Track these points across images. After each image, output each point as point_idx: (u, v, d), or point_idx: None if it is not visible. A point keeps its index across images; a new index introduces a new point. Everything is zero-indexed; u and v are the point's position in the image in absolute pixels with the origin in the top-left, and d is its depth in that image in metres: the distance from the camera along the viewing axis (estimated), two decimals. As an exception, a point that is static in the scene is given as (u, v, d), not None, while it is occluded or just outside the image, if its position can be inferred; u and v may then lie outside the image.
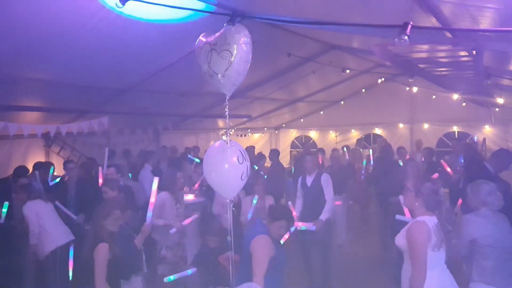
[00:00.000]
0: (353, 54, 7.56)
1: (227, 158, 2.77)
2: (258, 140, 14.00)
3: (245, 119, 11.40)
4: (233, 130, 12.34)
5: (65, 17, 3.74)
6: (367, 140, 12.42)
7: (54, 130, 6.86)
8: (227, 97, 2.91)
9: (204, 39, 2.79)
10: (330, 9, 4.25)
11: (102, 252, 3.30)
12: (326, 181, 5.39)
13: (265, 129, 13.70)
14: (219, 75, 2.70)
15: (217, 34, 2.72)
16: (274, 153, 8.48)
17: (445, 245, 2.86)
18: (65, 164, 6.30)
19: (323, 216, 5.09)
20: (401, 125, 12.03)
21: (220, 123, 11.88)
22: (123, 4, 2.38)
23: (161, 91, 7.06)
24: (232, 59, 2.64)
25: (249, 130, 13.02)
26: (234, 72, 2.69)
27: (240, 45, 2.67)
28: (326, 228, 5.18)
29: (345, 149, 9.35)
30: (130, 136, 8.63)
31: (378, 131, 12.44)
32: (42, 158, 7.47)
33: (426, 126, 11.56)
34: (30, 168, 6.30)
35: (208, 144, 11.08)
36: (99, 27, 4.09)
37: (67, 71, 5.29)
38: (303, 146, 11.11)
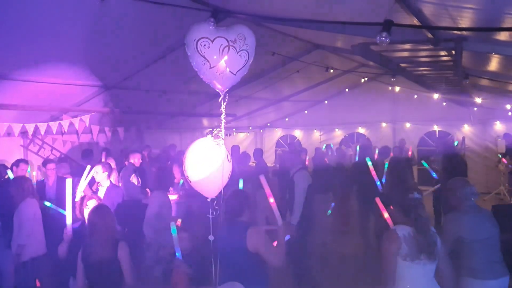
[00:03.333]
0: (337, 54, 7.62)
1: (214, 158, 2.74)
2: (243, 139, 13.98)
3: (230, 118, 11.35)
4: (218, 129, 12.25)
5: (45, 12, 3.65)
6: (351, 139, 12.56)
7: (32, 129, 6.72)
8: (223, 95, 2.90)
9: (209, 30, 2.71)
10: (314, 9, 4.27)
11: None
12: (297, 179, 5.04)
13: (250, 128, 13.69)
14: (232, 72, 2.69)
15: (233, 31, 2.68)
16: (258, 152, 8.47)
17: (428, 257, 2.63)
18: (44, 164, 6.13)
19: (293, 220, 4.81)
20: (384, 124, 12.20)
21: (205, 121, 11.81)
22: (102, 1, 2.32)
23: (144, 89, 6.97)
24: (247, 60, 2.67)
25: (234, 129, 12.98)
26: (242, 73, 2.72)
27: (253, 49, 2.70)
28: (303, 228, 4.96)
29: (328, 145, 9.44)
30: (112, 135, 8.49)
31: (361, 130, 12.58)
32: (20, 157, 7.26)
33: (408, 125, 11.75)
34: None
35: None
36: (80, 22, 4.01)
37: (47, 67, 5.18)
38: (289, 145, 11.16)
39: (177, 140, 10.92)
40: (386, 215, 3.06)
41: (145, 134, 10.02)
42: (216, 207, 3.30)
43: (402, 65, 5.52)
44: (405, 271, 2.65)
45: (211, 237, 2.90)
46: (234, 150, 8.29)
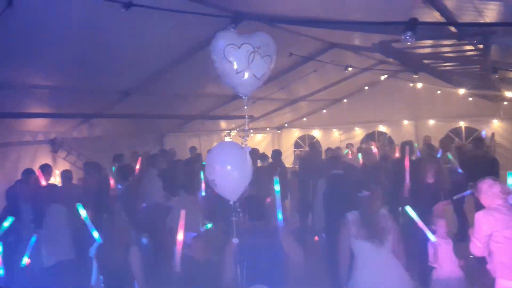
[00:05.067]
0: (354, 52, 7.52)
1: (238, 160, 2.78)
2: (261, 140, 13.98)
3: (247, 119, 11.36)
4: (235, 131, 12.33)
5: (68, 23, 3.75)
6: (372, 138, 12.37)
7: (59, 135, 6.93)
8: (246, 98, 3.00)
9: (235, 36, 2.83)
10: (329, 6, 4.22)
11: None
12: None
13: (268, 129, 13.68)
14: (256, 77, 2.80)
15: (256, 37, 2.79)
16: (276, 154, 8.42)
17: (380, 239, 3.23)
18: (62, 174, 6.26)
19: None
20: (405, 122, 11.96)
21: (223, 124, 11.87)
22: (128, 9, 2.37)
23: (163, 94, 7.06)
24: (270, 65, 2.80)
25: (251, 131, 13.00)
26: (265, 77, 2.84)
27: (275, 53, 2.82)
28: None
29: (350, 144, 9.30)
30: (134, 139, 8.64)
31: (382, 128, 12.38)
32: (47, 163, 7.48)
33: (431, 122, 11.48)
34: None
35: (211, 145, 11.07)
36: (101, 31, 4.09)
37: (71, 76, 5.31)
38: (310, 146, 11.02)
39: (196, 142, 11.02)
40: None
41: (164, 138, 10.16)
42: (239, 209, 3.33)
43: (426, 61, 5.39)
44: (359, 249, 3.29)
45: (235, 240, 2.92)
46: (254, 153, 8.30)
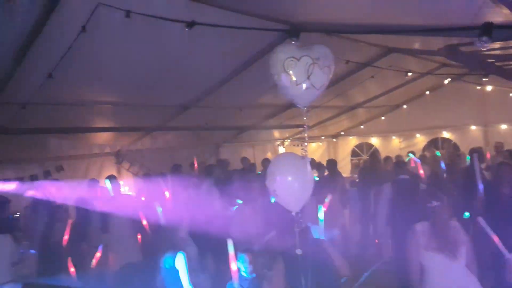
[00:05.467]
0: (414, 56, 7.16)
1: (301, 170, 2.78)
2: (315, 149, 13.74)
3: (300, 128, 11.30)
4: (288, 140, 12.28)
5: (133, 44, 4.00)
6: (435, 145, 11.65)
7: (124, 148, 7.38)
8: (304, 109, 3.02)
9: (294, 49, 2.90)
10: (388, 12, 4.06)
11: None
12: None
13: (323, 137, 13.43)
14: (315, 88, 2.84)
15: (315, 49, 2.84)
16: (331, 163, 8.21)
17: (452, 251, 3.08)
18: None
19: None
20: (473, 127, 11.10)
21: (276, 133, 11.88)
22: (191, 28, 2.47)
23: (219, 106, 7.23)
24: (329, 75, 2.83)
25: (306, 139, 12.83)
26: (323, 87, 2.86)
27: (333, 63, 2.85)
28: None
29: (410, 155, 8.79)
30: (192, 150, 8.93)
31: (446, 134, 11.60)
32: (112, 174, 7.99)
33: (503, 127, 10.54)
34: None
35: (265, 155, 11.12)
36: (162, 49, 4.31)
37: (133, 93, 5.64)
38: (370, 154, 10.60)
39: (250, 152, 11.12)
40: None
41: (220, 148, 10.39)
42: (301, 220, 3.32)
43: (498, 63, 4.97)
44: (430, 261, 3.14)
45: (298, 251, 2.91)
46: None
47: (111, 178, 6.41)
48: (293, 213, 2.95)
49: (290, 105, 8.40)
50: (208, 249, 4.71)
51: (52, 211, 5.30)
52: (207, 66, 5.21)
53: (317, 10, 4.31)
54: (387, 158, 8.40)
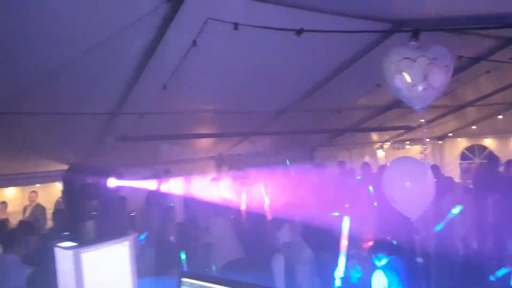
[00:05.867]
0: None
1: (421, 175, 2.62)
2: (418, 152, 12.74)
3: (401, 130, 10.59)
4: (388, 143, 11.62)
5: (237, 54, 4.19)
6: None
7: (223, 153, 7.79)
8: (422, 111, 2.86)
9: (409, 50, 2.80)
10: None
11: None
12: None
13: (428, 140, 12.37)
14: (433, 88, 2.71)
15: (431, 49, 2.72)
16: (436, 169, 7.49)
17: None
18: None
19: None
20: None
21: (374, 136, 11.32)
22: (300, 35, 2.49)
23: (316, 109, 7.16)
24: (448, 75, 2.68)
25: (407, 142, 12.00)
26: (442, 88, 2.71)
27: (452, 62, 2.69)
28: None
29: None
30: (288, 153, 9.00)
31: None
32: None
33: None
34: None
35: (362, 159, 10.67)
36: (260, 56, 4.43)
37: (232, 100, 5.91)
38: (488, 157, 9.37)
39: (347, 156, 10.78)
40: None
41: (315, 152, 10.28)
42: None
43: None
44: None
45: (419, 259, 2.73)
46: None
47: (214, 180, 6.93)
48: (412, 220, 2.76)
49: (391, 107, 7.97)
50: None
51: (164, 211, 5.83)
52: (304, 70, 5.21)
53: (421, 5, 4.01)
54: (510, 162, 7.39)
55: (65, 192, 2.16)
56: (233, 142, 8.36)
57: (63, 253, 1.95)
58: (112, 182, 2.16)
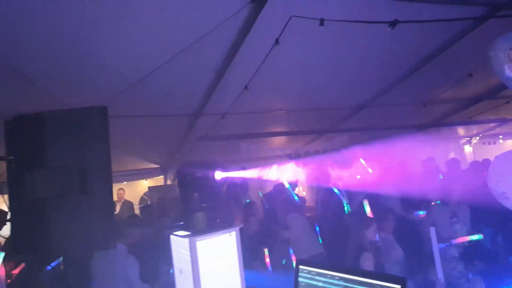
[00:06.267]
0: None
1: None
2: (511, 146, 11.46)
3: (494, 124, 9.60)
4: (477, 137, 10.62)
5: (314, 52, 4.12)
6: None
7: (299, 150, 7.74)
8: None
9: None
10: None
11: None
12: None
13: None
14: None
15: None
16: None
17: None
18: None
19: None
20: None
21: (460, 131, 10.42)
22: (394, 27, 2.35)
23: (397, 103, 6.78)
24: None
25: (500, 136, 10.84)
26: None
27: None
28: None
29: None
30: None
31: None
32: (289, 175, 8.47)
33: None
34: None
35: (448, 155, 9.87)
36: (338, 53, 4.30)
37: (309, 98, 5.82)
38: None
39: (429, 152, 10.05)
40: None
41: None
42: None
43: None
44: None
45: None
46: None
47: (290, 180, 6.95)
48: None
49: (481, 98, 7.27)
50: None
51: (245, 207, 5.96)
52: (389, 62, 4.95)
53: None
54: None
55: (179, 185, 2.31)
56: (307, 140, 8.26)
57: (179, 241, 2.10)
58: (218, 175, 2.28)
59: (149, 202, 7.91)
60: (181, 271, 2.12)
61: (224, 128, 6.10)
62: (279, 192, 6.57)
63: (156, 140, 6.67)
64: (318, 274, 1.53)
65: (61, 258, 4.40)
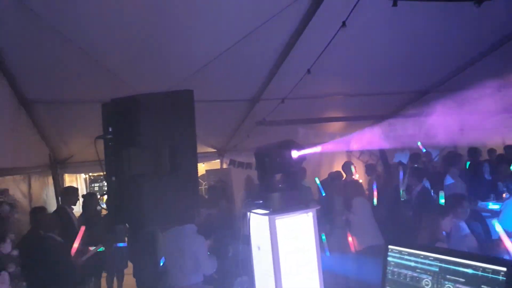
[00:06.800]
0: None
1: None
2: None
3: None
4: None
5: (384, 34, 3.97)
6: None
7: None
8: None
9: None
10: None
11: None
12: None
13: None
14: None
15: None
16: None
17: None
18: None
19: None
20: None
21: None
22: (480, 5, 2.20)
23: (467, 89, 6.37)
24: None
25: None
26: None
27: None
28: None
29: None
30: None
31: None
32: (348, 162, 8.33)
33: None
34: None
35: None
36: (403, 35, 4.11)
37: (372, 82, 5.64)
38: None
39: (499, 141, 9.34)
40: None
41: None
42: None
43: None
44: None
45: None
46: None
47: (345, 165, 6.90)
48: None
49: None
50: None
51: (300, 191, 5.98)
52: (461, 43, 4.65)
53: None
54: None
55: (257, 167, 2.39)
56: (364, 126, 8.02)
57: (259, 219, 2.17)
58: (295, 154, 2.32)
59: (212, 183, 8.18)
60: (259, 248, 2.20)
61: (281, 114, 6.11)
62: (337, 179, 6.52)
63: (215, 124, 6.83)
64: (410, 254, 1.52)
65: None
